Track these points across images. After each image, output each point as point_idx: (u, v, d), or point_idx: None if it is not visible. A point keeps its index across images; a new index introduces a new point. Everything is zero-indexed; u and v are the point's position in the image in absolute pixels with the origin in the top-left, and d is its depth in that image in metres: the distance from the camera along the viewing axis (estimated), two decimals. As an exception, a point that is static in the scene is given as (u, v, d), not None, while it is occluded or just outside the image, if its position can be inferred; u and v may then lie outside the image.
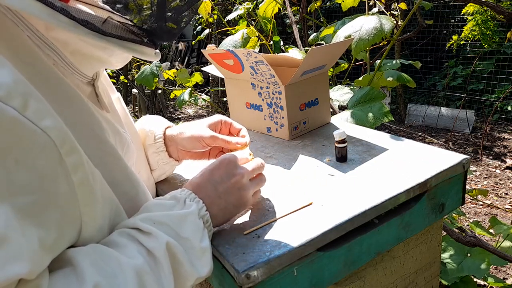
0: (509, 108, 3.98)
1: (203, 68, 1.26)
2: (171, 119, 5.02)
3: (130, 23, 0.47)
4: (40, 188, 0.35)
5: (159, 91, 4.69)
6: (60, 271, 0.38)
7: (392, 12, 1.35)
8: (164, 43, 0.52)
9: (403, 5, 1.35)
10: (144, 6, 0.47)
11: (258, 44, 1.53)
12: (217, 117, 0.71)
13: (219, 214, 0.55)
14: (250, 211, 0.62)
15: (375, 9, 1.40)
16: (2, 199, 0.32)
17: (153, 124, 0.74)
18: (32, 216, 0.34)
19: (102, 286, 0.38)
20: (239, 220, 0.60)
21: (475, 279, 1.27)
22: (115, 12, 0.47)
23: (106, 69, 0.63)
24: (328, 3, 4.69)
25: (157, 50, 0.52)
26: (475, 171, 3.03)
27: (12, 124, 0.33)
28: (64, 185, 0.37)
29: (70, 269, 0.38)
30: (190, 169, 0.82)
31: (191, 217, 0.49)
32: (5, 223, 0.32)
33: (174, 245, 0.45)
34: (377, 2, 1.33)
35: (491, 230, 1.42)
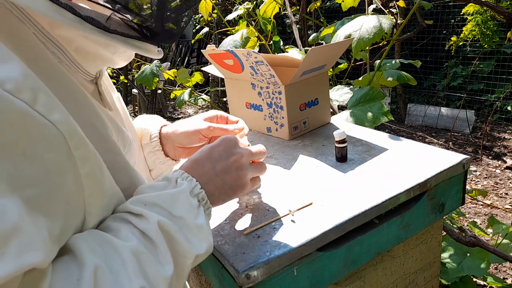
0: (509, 108, 3.98)
1: (203, 68, 1.26)
2: (171, 119, 5.02)
3: (132, 20, 0.47)
4: (48, 180, 0.35)
5: (159, 91, 4.69)
6: (59, 257, 0.39)
7: (390, 10, 1.35)
8: (166, 44, 0.52)
9: (401, 3, 1.35)
10: (144, 6, 0.47)
11: (258, 44, 1.53)
12: (213, 112, 0.71)
13: (216, 193, 0.53)
14: (250, 211, 0.62)
15: (372, 6, 1.40)
16: (12, 190, 0.32)
17: (148, 124, 0.73)
18: (40, 207, 0.35)
19: (101, 268, 0.38)
20: (239, 220, 0.60)
21: (474, 279, 1.27)
22: (116, 11, 0.47)
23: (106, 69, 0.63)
24: (328, 3, 4.69)
25: (160, 48, 0.52)
26: (475, 171, 3.03)
27: (22, 117, 0.33)
28: (71, 178, 0.38)
29: (68, 254, 0.39)
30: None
31: (183, 195, 0.48)
32: (18, 214, 0.32)
33: (166, 223, 0.45)
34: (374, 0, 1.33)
35: (489, 230, 1.42)
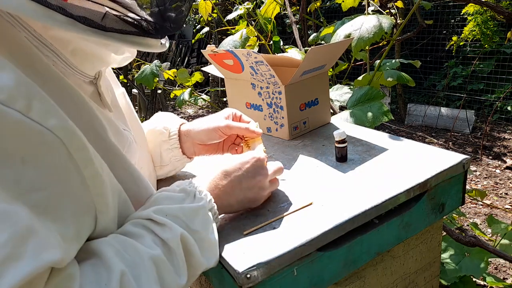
0: (509, 108, 3.98)
1: (203, 68, 1.26)
2: (171, 119, 4.99)
3: (131, 14, 0.45)
4: (52, 184, 0.36)
5: (159, 91, 4.69)
6: (87, 261, 0.40)
7: (390, 10, 1.35)
8: (169, 33, 0.51)
9: (399, 4, 1.35)
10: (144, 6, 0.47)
11: (257, 44, 1.53)
12: (228, 110, 0.73)
13: (235, 205, 0.58)
14: (250, 211, 0.62)
15: (370, 8, 1.40)
16: (17, 197, 0.33)
17: (167, 121, 0.75)
18: (48, 210, 0.35)
19: (127, 274, 0.40)
20: (239, 220, 0.60)
21: (474, 279, 1.27)
22: (112, 8, 0.45)
23: None
24: (328, 3, 4.69)
25: (163, 41, 0.50)
26: (475, 171, 3.03)
27: (17, 127, 0.33)
28: (75, 179, 0.38)
29: (96, 259, 0.41)
30: (198, 166, 0.82)
31: (203, 211, 0.51)
32: (27, 217, 0.33)
33: (187, 237, 0.47)
34: (370, 1, 1.33)
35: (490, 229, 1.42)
